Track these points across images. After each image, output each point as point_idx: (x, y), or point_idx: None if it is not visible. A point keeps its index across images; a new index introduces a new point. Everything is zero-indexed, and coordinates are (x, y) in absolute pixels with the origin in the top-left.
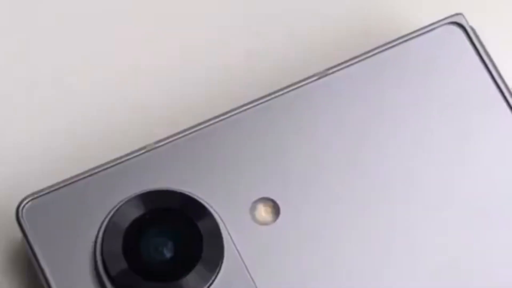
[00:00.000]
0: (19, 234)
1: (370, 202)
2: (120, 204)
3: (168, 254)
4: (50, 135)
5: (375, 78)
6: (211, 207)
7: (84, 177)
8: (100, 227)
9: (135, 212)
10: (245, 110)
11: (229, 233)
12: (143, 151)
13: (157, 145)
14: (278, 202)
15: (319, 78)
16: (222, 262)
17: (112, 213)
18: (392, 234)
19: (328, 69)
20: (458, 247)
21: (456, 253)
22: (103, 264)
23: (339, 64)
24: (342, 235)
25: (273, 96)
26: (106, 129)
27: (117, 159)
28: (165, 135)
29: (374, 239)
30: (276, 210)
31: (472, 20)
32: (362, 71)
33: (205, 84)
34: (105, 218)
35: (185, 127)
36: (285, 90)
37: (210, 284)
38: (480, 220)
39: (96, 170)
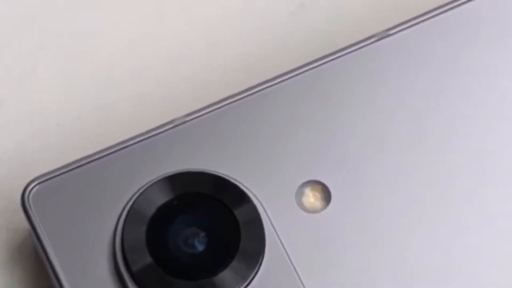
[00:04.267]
0: (24, 224)
1: (437, 185)
2: (143, 188)
3: (199, 247)
4: (62, 109)
5: (442, 39)
6: (251, 191)
7: (101, 157)
8: (120, 215)
9: (161, 198)
10: (292, 77)
11: (271, 222)
12: (171, 125)
13: (187, 118)
14: (328, 186)
15: (378, 40)
16: (263, 256)
17: (134, 198)
18: (463, 225)
19: (389, 29)
20: None
21: None
22: (123, 258)
23: (401, 24)
24: (403, 225)
25: (324, 61)
26: (128, 101)
27: (140, 135)
28: (197, 107)
29: (443, 230)
30: (326, 195)
31: None
32: (427, 32)
33: (246, 46)
34: (126, 205)
35: (220, 97)
36: (338, 54)
37: (249, 282)
38: None
39: (115, 149)
